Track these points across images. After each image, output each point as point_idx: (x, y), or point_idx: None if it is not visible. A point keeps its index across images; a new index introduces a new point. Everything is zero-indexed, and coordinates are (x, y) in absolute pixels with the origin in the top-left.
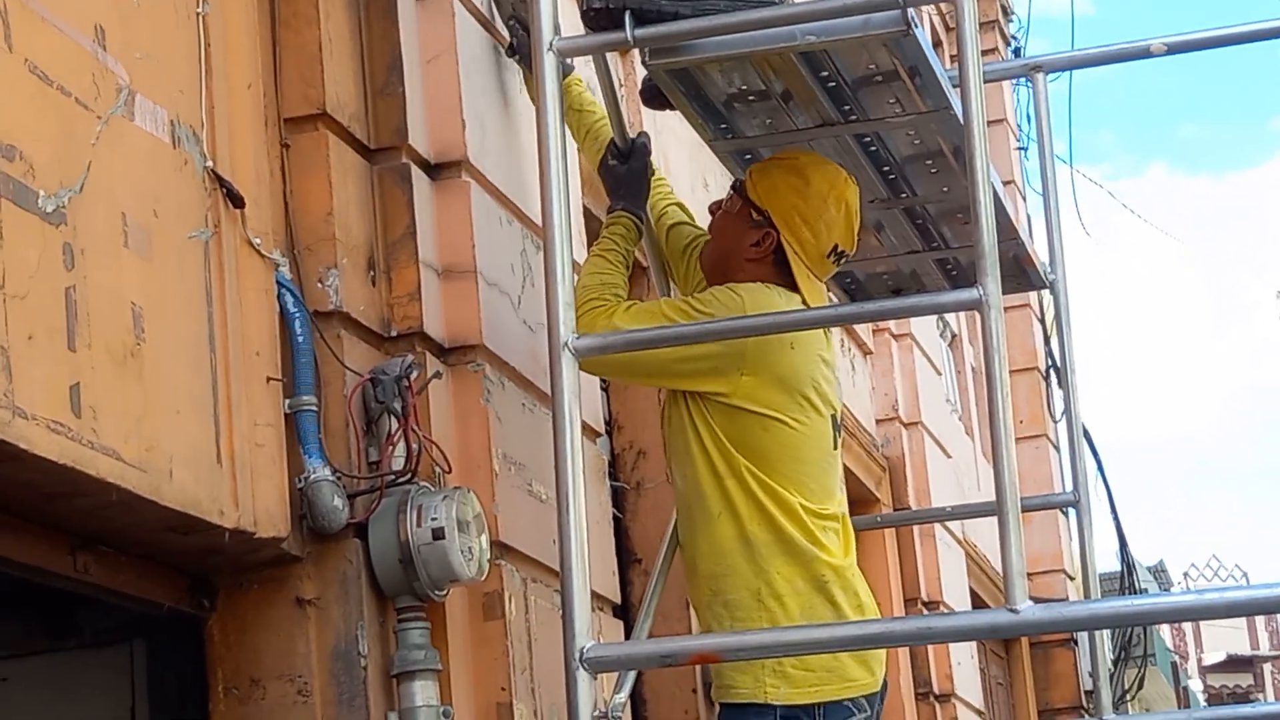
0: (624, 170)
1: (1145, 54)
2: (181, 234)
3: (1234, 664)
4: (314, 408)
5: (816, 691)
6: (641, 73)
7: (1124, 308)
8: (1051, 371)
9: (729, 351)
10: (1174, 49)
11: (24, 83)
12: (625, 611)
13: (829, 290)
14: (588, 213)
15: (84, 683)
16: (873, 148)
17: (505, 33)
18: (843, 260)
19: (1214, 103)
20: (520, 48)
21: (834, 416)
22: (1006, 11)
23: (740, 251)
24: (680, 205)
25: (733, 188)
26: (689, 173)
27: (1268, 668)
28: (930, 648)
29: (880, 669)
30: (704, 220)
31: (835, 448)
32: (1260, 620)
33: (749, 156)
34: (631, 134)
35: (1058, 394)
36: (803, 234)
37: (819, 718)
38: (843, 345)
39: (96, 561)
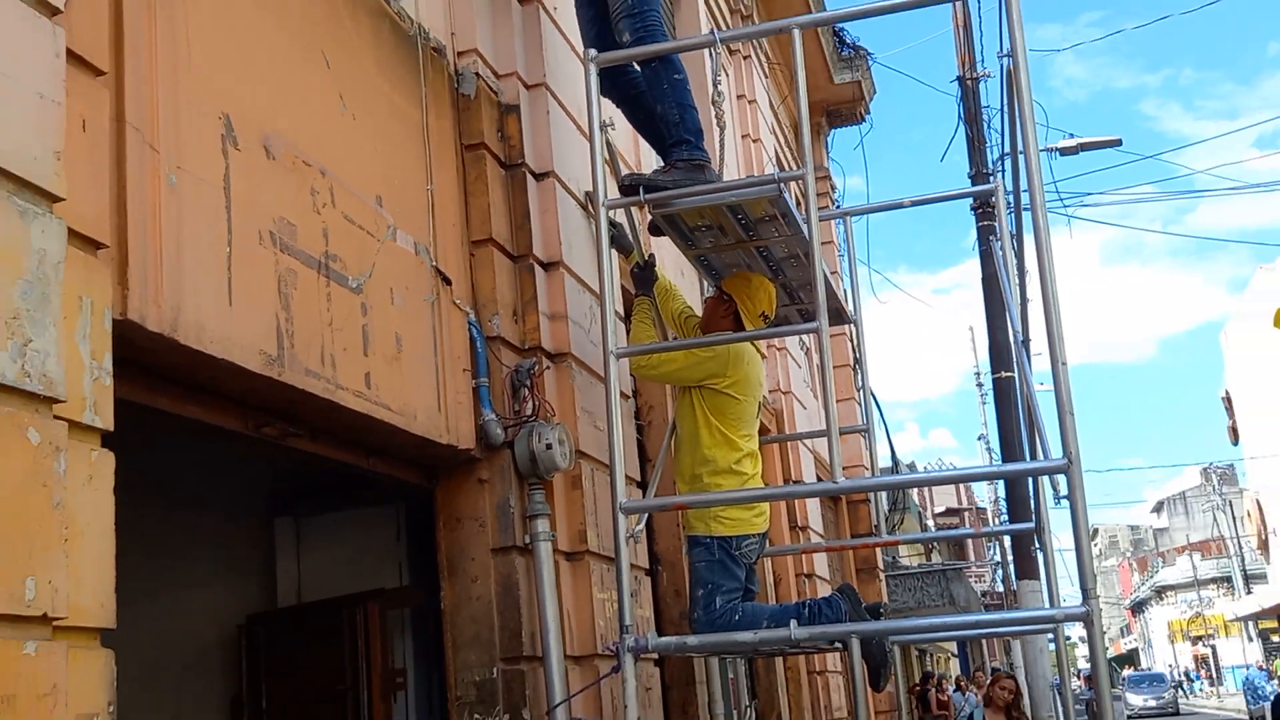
0: (642, 274)
1: (899, 206)
2: (420, 298)
3: (950, 512)
4: (486, 384)
5: (734, 528)
6: (648, 218)
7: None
8: (856, 365)
9: (718, 362)
10: (916, 203)
11: (342, 224)
12: (643, 485)
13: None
14: (624, 290)
15: (373, 526)
16: (764, 252)
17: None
18: (766, 320)
19: None
20: (614, 240)
21: (762, 396)
22: (832, 184)
23: (719, 314)
24: (671, 288)
25: (716, 287)
26: (673, 267)
27: (966, 514)
28: (795, 501)
29: (766, 519)
30: (691, 296)
31: (758, 412)
32: (961, 488)
33: (704, 260)
34: (645, 256)
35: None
36: (747, 306)
37: (734, 544)
38: None
39: (381, 462)
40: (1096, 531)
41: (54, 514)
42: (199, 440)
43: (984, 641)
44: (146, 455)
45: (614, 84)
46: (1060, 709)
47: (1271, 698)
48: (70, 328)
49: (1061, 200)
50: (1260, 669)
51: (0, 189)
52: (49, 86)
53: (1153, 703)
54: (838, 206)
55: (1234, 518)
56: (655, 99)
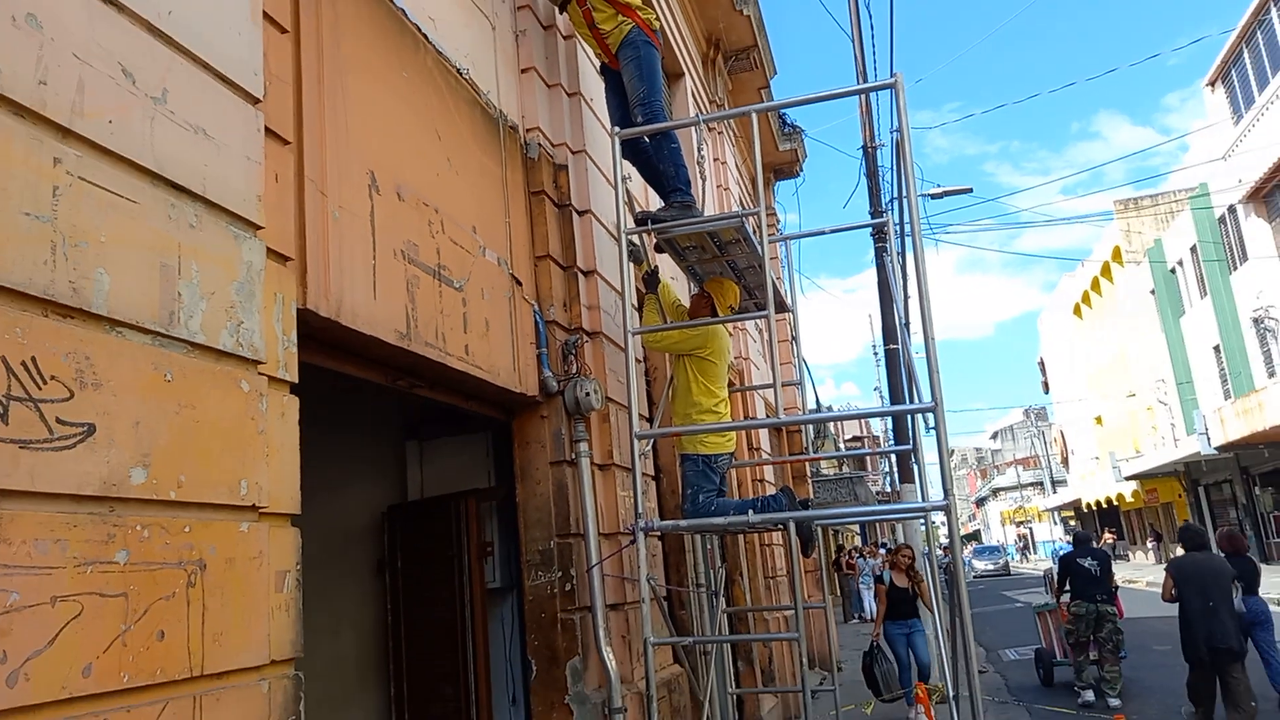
0: (650, 279)
1: (822, 233)
2: (501, 294)
3: (855, 439)
4: (545, 353)
5: (712, 449)
6: (654, 241)
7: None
8: (793, 340)
9: (701, 337)
10: (834, 231)
11: (449, 245)
12: (650, 420)
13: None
14: (637, 290)
15: (471, 447)
16: (732, 264)
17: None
18: (733, 309)
19: None
20: (631, 255)
21: (730, 361)
22: (777, 218)
23: (701, 306)
24: (668, 289)
25: (699, 287)
26: (669, 272)
27: (865, 440)
28: (751, 431)
29: (733, 443)
30: (681, 292)
31: (727, 372)
32: (862, 422)
33: (691, 269)
34: (651, 266)
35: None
36: (720, 300)
37: (712, 459)
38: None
39: (475, 404)
40: (953, 452)
41: (259, 438)
42: (355, 390)
43: (878, 525)
44: (322, 401)
45: (633, 150)
46: (928, 570)
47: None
48: (269, 313)
49: (931, 229)
50: (1068, 544)
51: (221, 219)
52: (253, 151)
53: (991, 566)
54: (781, 233)
55: (1045, 442)
56: (659, 160)
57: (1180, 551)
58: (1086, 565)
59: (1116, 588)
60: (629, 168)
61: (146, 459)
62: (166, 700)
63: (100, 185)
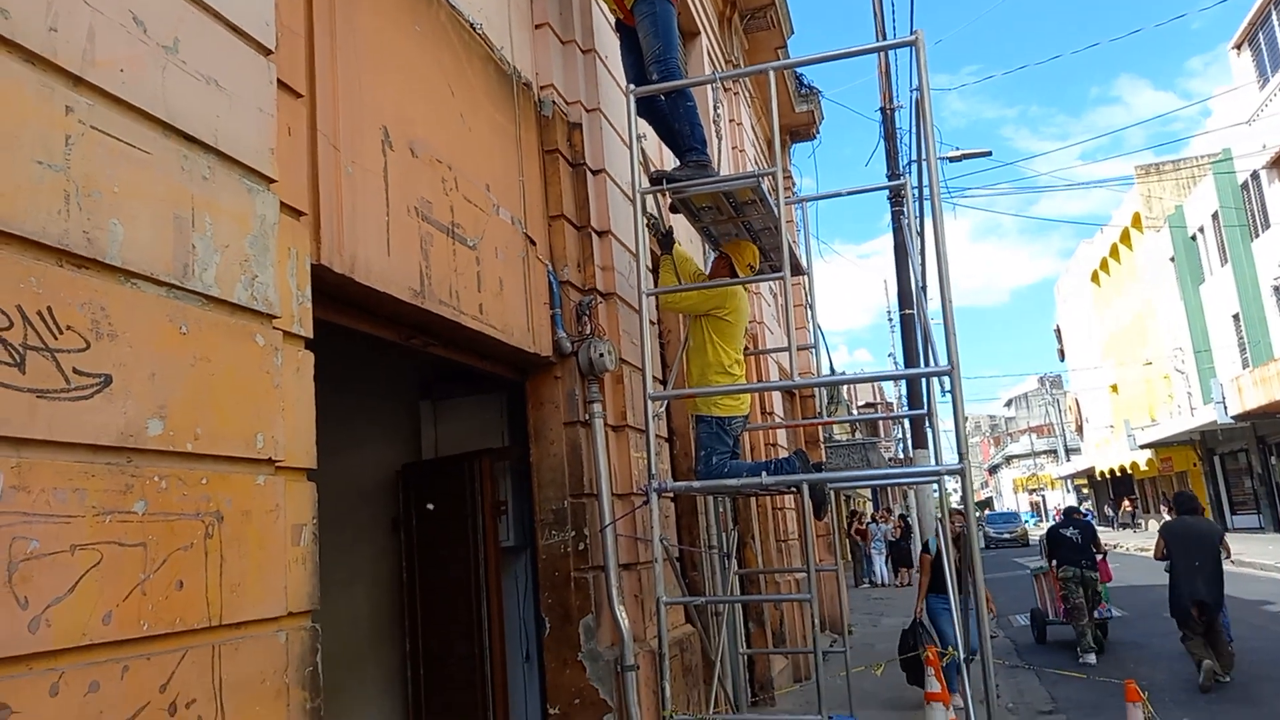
0: (665, 240)
1: (839, 195)
2: (515, 254)
3: (868, 405)
4: (559, 313)
5: (726, 410)
6: (669, 201)
7: None
8: (808, 304)
9: (721, 296)
10: (851, 193)
11: (463, 203)
12: (663, 381)
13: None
14: (651, 251)
15: (485, 407)
16: (747, 225)
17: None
18: (752, 269)
19: None
20: (651, 227)
21: (747, 324)
22: (793, 180)
23: (720, 266)
24: (685, 256)
25: (717, 249)
26: (685, 235)
27: (879, 406)
28: (765, 394)
29: (746, 405)
30: (695, 254)
31: (744, 334)
32: (875, 386)
33: (706, 230)
34: (666, 226)
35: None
36: (738, 260)
37: (726, 421)
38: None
39: (490, 363)
40: (967, 418)
41: (274, 391)
42: (370, 348)
43: (890, 490)
44: (339, 359)
45: (648, 109)
46: (943, 536)
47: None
48: (283, 268)
49: (949, 193)
50: (1088, 511)
51: (234, 173)
52: (266, 103)
53: (1007, 536)
54: (797, 195)
55: (1060, 410)
56: (674, 119)
57: (1170, 516)
58: (1069, 535)
59: (1104, 554)
60: (644, 126)
61: (163, 411)
62: (186, 649)
63: (113, 135)
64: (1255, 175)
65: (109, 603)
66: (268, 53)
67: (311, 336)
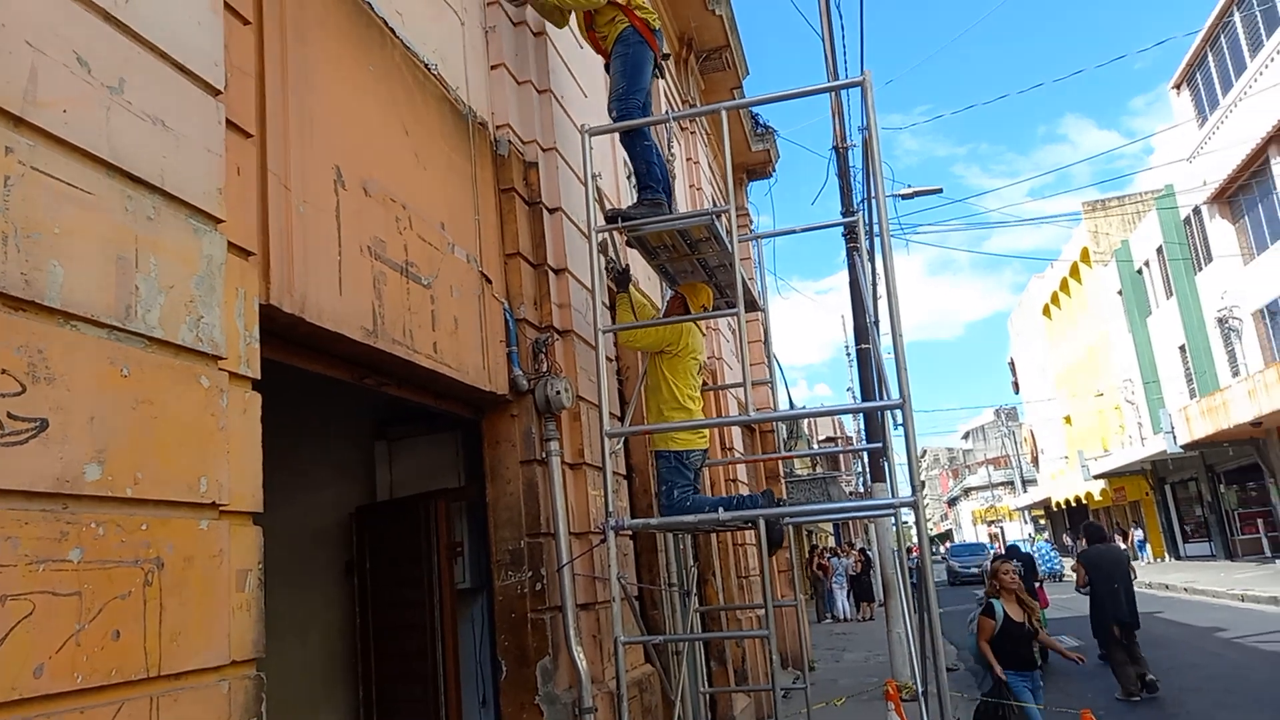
0: (622, 276)
1: (794, 231)
2: (471, 292)
3: (828, 439)
4: (515, 351)
5: (685, 445)
6: (626, 238)
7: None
8: (765, 339)
9: (673, 334)
10: (806, 230)
11: (418, 241)
12: (621, 418)
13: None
14: (609, 288)
15: (441, 445)
16: (702, 262)
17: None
18: (705, 309)
19: None
20: (608, 267)
21: (702, 360)
22: (750, 217)
23: (675, 305)
24: (641, 300)
25: (672, 289)
26: (643, 273)
27: (839, 440)
28: (725, 430)
29: (706, 440)
30: (652, 292)
31: (700, 370)
32: (834, 420)
33: (662, 268)
34: (623, 264)
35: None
36: (693, 300)
37: (685, 456)
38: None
39: (445, 402)
40: (925, 452)
41: (219, 433)
42: (321, 389)
43: (851, 524)
44: (288, 400)
45: (627, 141)
46: (897, 568)
47: (1052, 564)
48: (230, 308)
49: (901, 229)
50: (1047, 541)
51: (180, 213)
52: (214, 144)
53: (974, 569)
54: (754, 232)
55: (1016, 442)
56: (631, 158)
57: (1085, 544)
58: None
59: (1041, 582)
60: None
61: (102, 455)
62: (122, 701)
63: (54, 176)
64: (1197, 210)
65: (41, 655)
66: (217, 93)
67: (259, 377)
